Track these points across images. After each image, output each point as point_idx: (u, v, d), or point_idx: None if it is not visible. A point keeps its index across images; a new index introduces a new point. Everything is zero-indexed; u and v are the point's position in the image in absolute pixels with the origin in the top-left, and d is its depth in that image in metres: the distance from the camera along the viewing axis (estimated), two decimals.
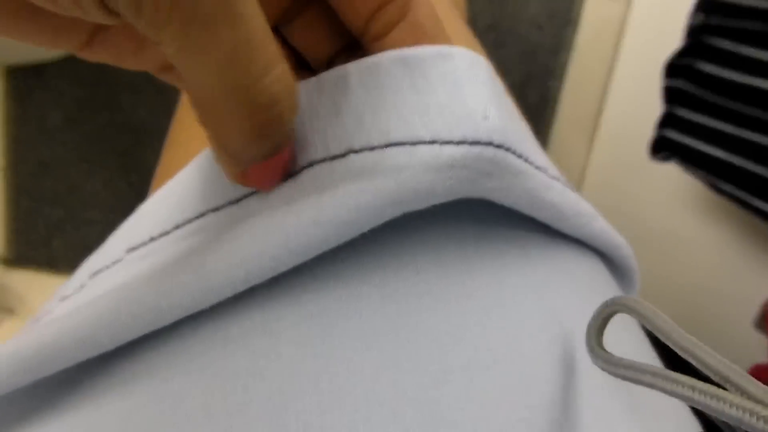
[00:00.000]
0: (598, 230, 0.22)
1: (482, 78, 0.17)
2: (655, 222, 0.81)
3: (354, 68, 0.17)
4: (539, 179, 0.19)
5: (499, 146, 0.17)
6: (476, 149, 0.16)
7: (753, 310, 0.58)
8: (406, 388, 0.16)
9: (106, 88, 1.01)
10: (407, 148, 0.16)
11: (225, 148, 0.16)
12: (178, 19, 0.12)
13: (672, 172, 0.63)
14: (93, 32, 0.16)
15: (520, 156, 0.18)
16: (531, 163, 0.18)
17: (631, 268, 0.25)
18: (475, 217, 0.20)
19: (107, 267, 0.21)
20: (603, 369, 0.15)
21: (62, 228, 1.09)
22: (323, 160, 0.17)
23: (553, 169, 0.21)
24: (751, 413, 0.11)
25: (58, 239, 1.10)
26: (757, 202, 0.51)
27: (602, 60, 0.93)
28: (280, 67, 0.14)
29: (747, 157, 0.51)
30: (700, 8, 0.54)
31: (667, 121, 0.59)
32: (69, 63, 1.00)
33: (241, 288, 0.17)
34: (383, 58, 0.17)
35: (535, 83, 0.94)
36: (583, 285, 0.21)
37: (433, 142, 0.16)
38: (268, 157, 0.16)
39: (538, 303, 0.19)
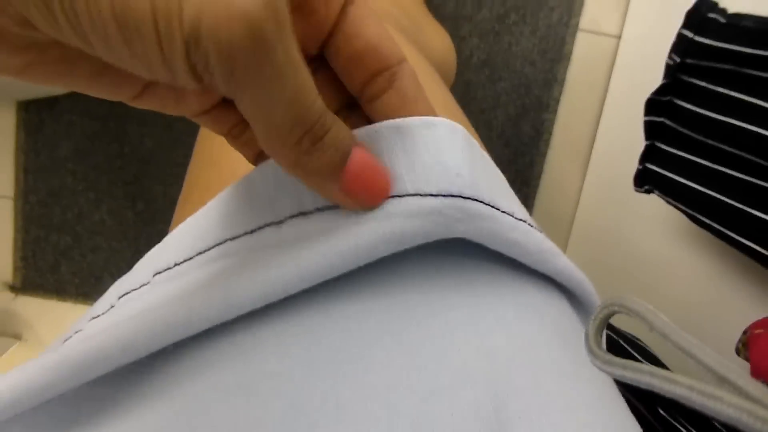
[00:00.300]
0: (562, 266, 0.25)
1: (459, 143, 0.21)
2: (645, 246, 0.83)
3: (357, 133, 0.21)
4: (505, 222, 0.22)
5: (467, 198, 0.20)
6: (449, 200, 0.20)
7: (736, 336, 0.59)
8: (399, 405, 0.19)
9: (115, 121, 1.04)
10: (397, 199, 0.20)
11: (305, 169, 0.19)
12: (256, 83, 0.16)
13: (661, 200, 0.65)
14: (144, 87, 0.20)
15: (488, 204, 0.21)
16: (497, 209, 0.22)
17: (592, 303, 0.28)
18: (455, 256, 0.24)
19: (134, 289, 0.24)
20: (602, 369, 0.16)
21: (69, 255, 1.11)
22: (331, 207, 0.21)
23: (521, 212, 0.24)
24: (749, 413, 0.11)
25: (65, 266, 1.12)
26: (731, 234, 0.53)
27: (593, 93, 0.96)
28: (315, 90, 0.18)
29: (721, 190, 0.53)
30: (676, 50, 0.57)
31: (648, 154, 0.61)
32: (80, 96, 1.04)
33: (258, 305, 0.20)
34: (381, 127, 0.21)
35: (529, 116, 0.97)
36: (546, 318, 0.24)
37: (416, 195, 0.20)
38: (342, 165, 0.20)
39: (507, 334, 0.22)
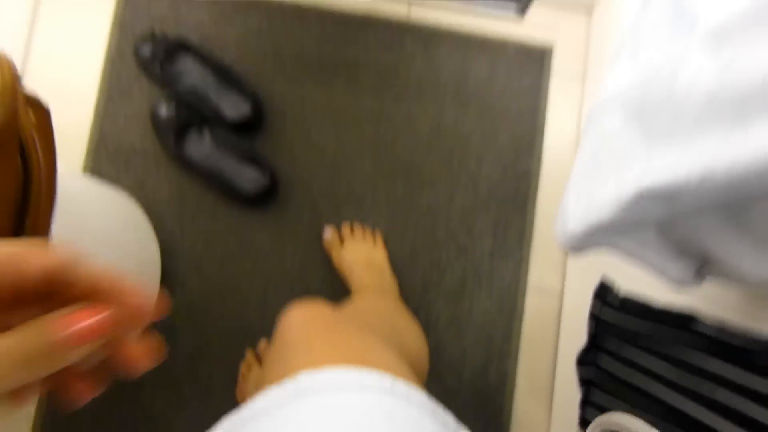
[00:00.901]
0: None
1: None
2: None
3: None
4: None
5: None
6: None
7: None
8: None
9: (131, 385, 1.17)
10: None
11: None
12: None
13: None
14: None
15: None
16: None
17: None
18: None
19: None
20: None
21: None
22: None
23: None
24: None
25: None
26: None
27: (546, 340, 1.13)
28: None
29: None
30: (590, 320, 0.74)
31: (585, 398, 0.76)
32: None
33: None
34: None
35: (493, 364, 1.12)
36: None
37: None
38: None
39: None
